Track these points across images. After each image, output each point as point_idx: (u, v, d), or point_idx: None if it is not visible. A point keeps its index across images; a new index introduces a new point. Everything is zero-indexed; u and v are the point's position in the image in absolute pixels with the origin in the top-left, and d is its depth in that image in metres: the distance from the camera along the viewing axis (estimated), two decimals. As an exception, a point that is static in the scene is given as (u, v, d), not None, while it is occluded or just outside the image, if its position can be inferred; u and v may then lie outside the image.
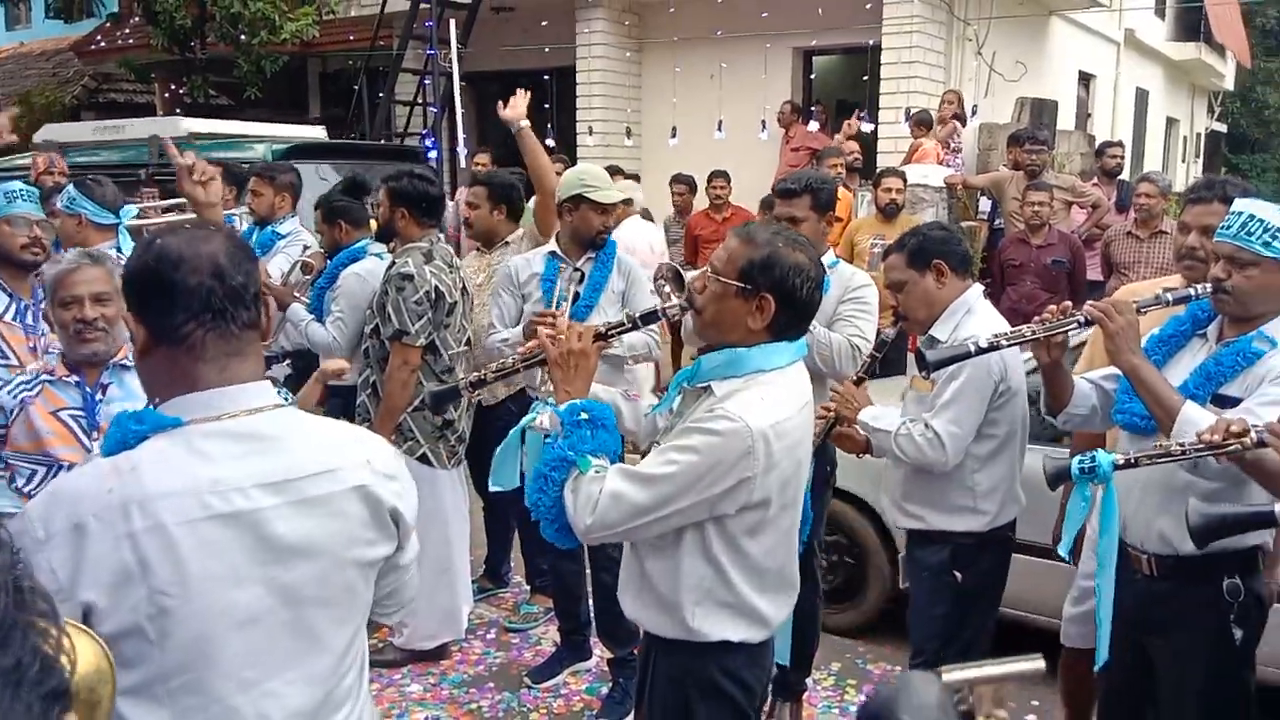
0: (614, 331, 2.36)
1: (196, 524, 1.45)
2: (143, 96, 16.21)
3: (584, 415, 2.14)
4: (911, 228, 3.37)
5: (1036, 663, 0.90)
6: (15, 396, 2.74)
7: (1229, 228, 2.45)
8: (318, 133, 9.61)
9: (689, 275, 3.36)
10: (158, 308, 1.51)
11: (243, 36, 11.82)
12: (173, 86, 14.45)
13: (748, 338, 2.13)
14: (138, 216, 4.35)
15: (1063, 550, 2.66)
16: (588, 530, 2.08)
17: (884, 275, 3.12)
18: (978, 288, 3.06)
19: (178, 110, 14.44)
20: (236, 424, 1.52)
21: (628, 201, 3.93)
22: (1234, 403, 2.43)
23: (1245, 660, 2.56)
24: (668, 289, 3.54)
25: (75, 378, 2.77)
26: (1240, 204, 2.48)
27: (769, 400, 2.08)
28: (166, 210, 4.78)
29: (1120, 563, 2.65)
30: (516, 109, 4.29)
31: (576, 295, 3.80)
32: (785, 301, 2.11)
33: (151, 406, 1.56)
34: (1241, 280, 2.43)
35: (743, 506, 2.08)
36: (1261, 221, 2.39)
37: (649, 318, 2.45)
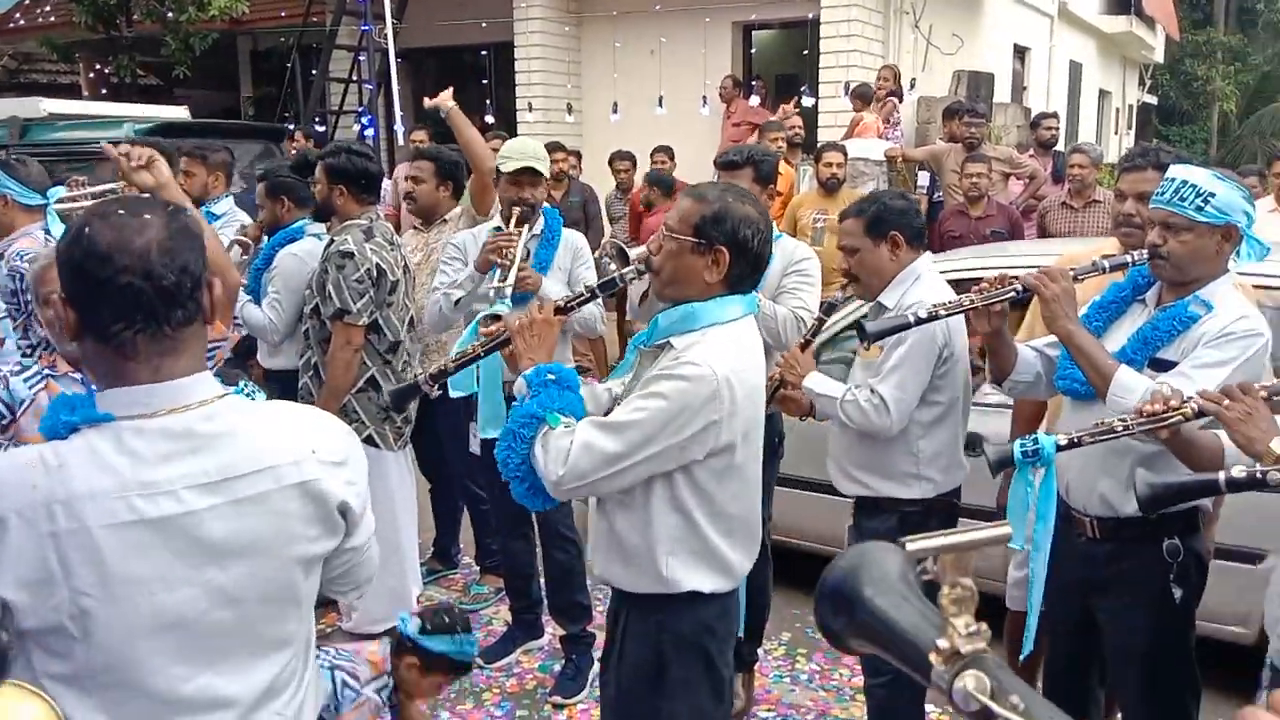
0: (574, 303, 2.47)
1: (122, 528, 1.40)
2: (66, 77, 15.74)
3: (551, 376, 2.23)
4: (870, 194, 3.37)
5: (1003, 529, 0.87)
6: (31, 387, 2.67)
7: (1163, 194, 2.48)
8: (180, 113, 9.63)
9: (633, 252, 3.37)
10: (86, 304, 1.44)
11: (170, 14, 11.50)
12: (97, 66, 14.05)
13: (705, 291, 2.22)
14: (64, 200, 4.21)
15: (1016, 543, 2.67)
16: (560, 481, 2.13)
17: (838, 237, 3.12)
18: (928, 256, 3.07)
19: (104, 91, 14.05)
20: (171, 421, 1.45)
21: (559, 177, 3.87)
22: (1171, 366, 2.47)
23: (1186, 618, 2.62)
24: (613, 266, 3.53)
25: (78, 374, 2.68)
26: (1174, 170, 2.51)
27: (728, 348, 2.18)
28: (96, 197, 4.64)
29: (1064, 526, 2.69)
30: (442, 99, 4.31)
31: (528, 253, 3.74)
32: (739, 252, 2.20)
33: (94, 389, 1.50)
34: (1176, 245, 2.46)
35: (710, 452, 2.16)
36: (1194, 187, 2.42)
37: (607, 285, 2.54)
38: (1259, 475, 1.83)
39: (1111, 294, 2.71)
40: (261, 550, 1.50)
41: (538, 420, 2.18)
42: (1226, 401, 2.11)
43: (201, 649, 1.47)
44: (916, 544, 0.86)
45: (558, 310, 2.39)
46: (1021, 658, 2.63)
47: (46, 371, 2.67)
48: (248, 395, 2.47)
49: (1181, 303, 2.51)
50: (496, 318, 3.46)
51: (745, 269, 2.24)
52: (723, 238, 2.19)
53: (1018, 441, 2.46)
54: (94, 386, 1.51)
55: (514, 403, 2.27)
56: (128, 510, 1.41)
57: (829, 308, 3.17)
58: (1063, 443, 2.38)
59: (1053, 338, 2.73)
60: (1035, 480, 2.54)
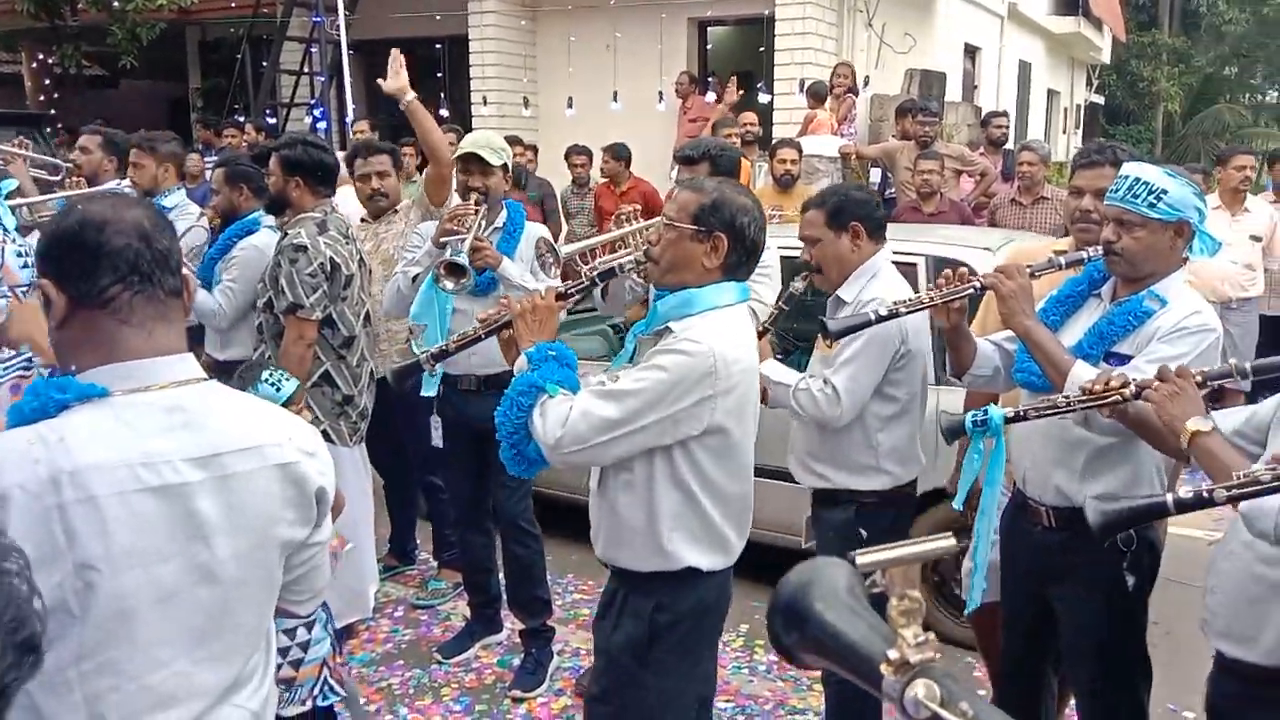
0: (574, 290, 2.57)
1: (128, 496, 1.42)
2: (9, 67, 15.39)
3: (551, 353, 2.34)
4: (832, 186, 3.41)
5: (948, 541, 0.90)
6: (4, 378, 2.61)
7: (1117, 191, 2.53)
8: None
9: (564, 249, 3.44)
10: (81, 271, 1.46)
11: (116, 3, 11.26)
12: (41, 56, 13.75)
13: (703, 277, 2.32)
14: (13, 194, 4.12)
15: (957, 504, 2.76)
16: (557, 444, 2.22)
17: (800, 228, 3.15)
18: (887, 250, 3.11)
19: (47, 81, 13.76)
20: (163, 396, 1.48)
21: (507, 169, 3.85)
22: (1126, 360, 2.51)
23: (1139, 605, 2.68)
24: (550, 260, 3.57)
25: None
26: (1127, 168, 2.56)
27: (725, 330, 2.28)
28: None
29: (1021, 516, 2.74)
30: (399, 80, 4.14)
31: (484, 266, 3.74)
32: (736, 239, 2.31)
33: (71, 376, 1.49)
34: (1130, 241, 2.51)
35: (705, 429, 2.25)
36: (1147, 184, 2.47)
37: (606, 274, 2.64)
38: (1206, 494, 1.87)
39: (1068, 289, 2.75)
40: (245, 528, 1.53)
41: (537, 389, 2.28)
42: (1157, 382, 2.16)
43: (180, 629, 1.49)
44: (864, 558, 0.90)
45: (558, 296, 2.48)
46: (966, 612, 2.70)
47: (17, 369, 2.61)
48: (273, 385, 2.46)
49: (1136, 298, 2.55)
50: (457, 268, 3.46)
51: (742, 255, 2.34)
52: (720, 225, 2.29)
53: (969, 413, 2.56)
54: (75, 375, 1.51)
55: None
56: (133, 479, 1.42)
57: (789, 298, 3.20)
58: (1010, 415, 2.48)
59: (1009, 332, 2.78)
60: (986, 450, 2.61)
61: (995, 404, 2.67)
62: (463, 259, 3.51)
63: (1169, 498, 1.93)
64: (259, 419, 1.59)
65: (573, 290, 2.58)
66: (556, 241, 8.00)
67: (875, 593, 0.90)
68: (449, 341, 2.68)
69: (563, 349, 2.38)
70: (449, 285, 3.55)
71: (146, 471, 1.43)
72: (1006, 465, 2.74)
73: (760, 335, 3.17)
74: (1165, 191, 2.46)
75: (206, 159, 8.07)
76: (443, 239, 3.61)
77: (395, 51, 4.17)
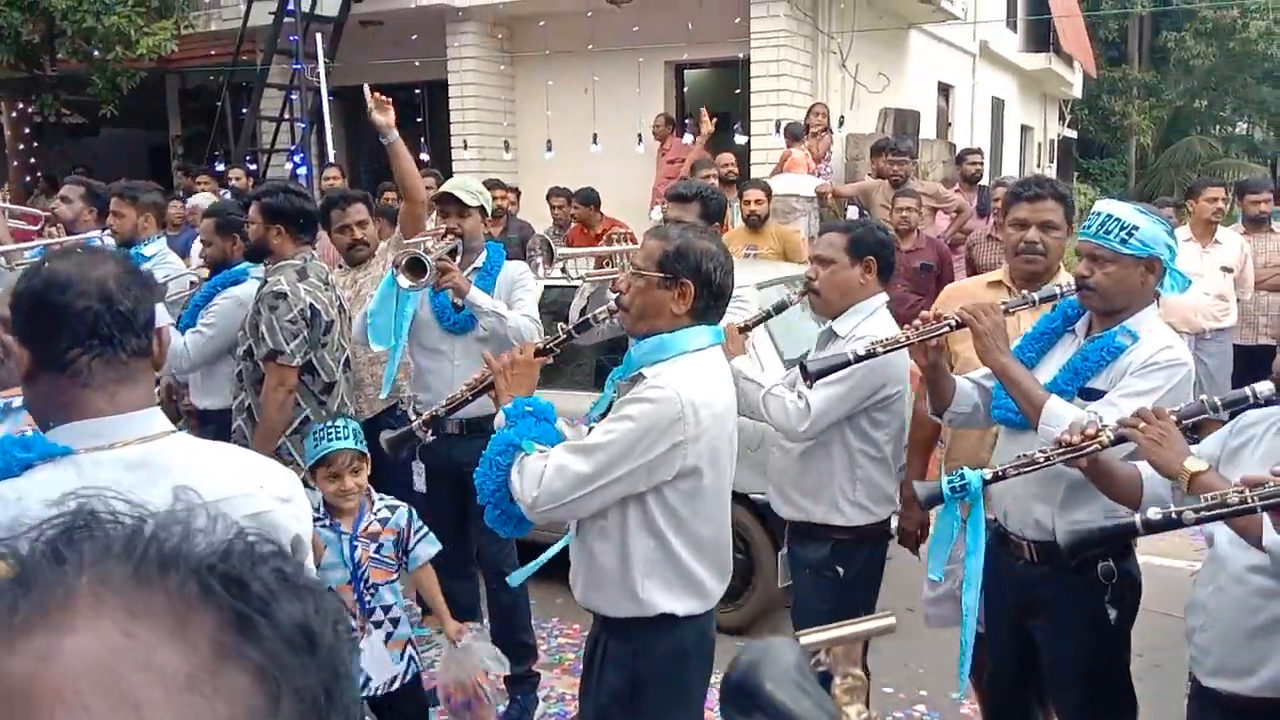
0: (552, 344, 2.62)
1: None
2: (-12, 116, 15.38)
3: (528, 409, 2.37)
4: (858, 219, 3.47)
5: (888, 620, 0.94)
6: None
7: (1089, 227, 2.58)
8: None
9: (560, 250, 3.48)
10: (43, 333, 1.46)
11: (96, 52, 11.31)
12: (21, 105, 13.76)
13: (673, 323, 2.35)
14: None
15: (934, 575, 2.72)
16: (534, 503, 2.25)
17: (815, 246, 3.20)
18: (884, 297, 3.16)
19: (26, 130, 13.76)
20: (128, 452, 1.47)
21: (485, 210, 3.92)
22: (1100, 395, 2.55)
23: (1121, 638, 2.69)
24: (539, 259, 3.62)
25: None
26: (1100, 205, 2.62)
27: (695, 374, 2.30)
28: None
29: (1003, 550, 2.75)
30: (387, 116, 4.18)
31: (461, 304, 3.77)
32: (703, 284, 2.33)
33: (41, 433, 1.49)
34: (1102, 277, 2.55)
35: (678, 473, 2.27)
36: (1119, 220, 2.52)
37: (582, 327, 2.68)
38: (1174, 516, 1.88)
39: (1043, 325, 2.79)
40: None
41: (514, 448, 2.31)
42: (1143, 424, 2.19)
43: None
44: (809, 638, 0.95)
45: (538, 352, 2.53)
46: (957, 697, 2.68)
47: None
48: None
49: (1109, 333, 2.59)
50: (416, 265, 3.52)
51: (709, 300, 2.36)
52: (687, 271, 2.32)
53: (945, 478, 2.51)
54: (41, 431, 1.50)
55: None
56: None
57: (780, 305, 3.26)
58: (988, 476, 2.45)
59: (988, 369, 2.81)
60: (963, 515, 2.59)
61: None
62: (424, 256, 3.53)
63: (1137, 518, 1.94)
64: (229, 469, 1.58)
65: (551, 345, 2.63)
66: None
67: (820, 670, 0.93)
68: (439, 406, 2.75)
69: (539, 404, 2.41)
70: (405, 282, 3.57)
71: None
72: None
73: (741, 331, 3.21)
74: (1136, 228, 2.51)
75: (186, 205, 8.08)
76: (405, 242, 3.67)
77: (366, 88, 4.20)
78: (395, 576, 3.30)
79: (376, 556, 3.23)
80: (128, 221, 4.89)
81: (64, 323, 1.45)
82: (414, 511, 3.36)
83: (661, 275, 2.33)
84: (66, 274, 1.47)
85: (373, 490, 3.34)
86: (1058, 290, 2.67)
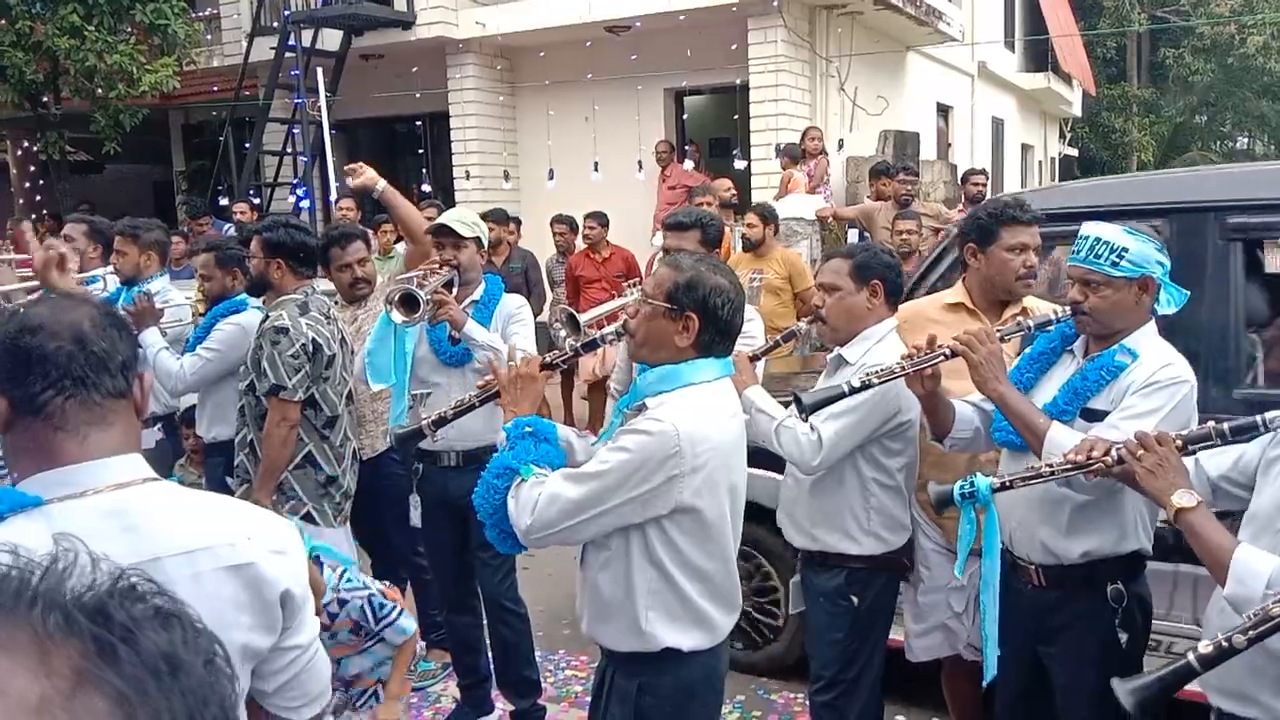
0: (559, 360, 2.60)
1: None
2: (-6, 155, 15.51)
3: (529, 429, 2.35)
4: (861, 243, 3.45)
5: None
6: None
7: (1079, 253, 2.57)
8: None
9: (583, 318, 3.44)
10: (16, 377, 1.43)
11: (99, 90, 11.40)
12: (25, 144, 13.87)
13: (677, 355, 2.30)
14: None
15: (957, 571, 2.74)
16: (528, 530, 2.24)
17: (819, 274, 3.16)
18: (893, 321, 3.12)
19: (32, 168, 13.85)
20: (100, 500, 1.43)
21: (481, 244, 3.92)
22: (1102, 415, 2.53)
23: (1132, 662, 2.65)
24: (564, 333, 3.59)
25: None
26: (1087, 228, 2.60)
27: (696, 408, 2.25)
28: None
29: (1012, 576, 2.72)
30: (363, 178, 4.24)
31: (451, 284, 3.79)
32: (709, 319, 2.29)
33: (12, 484, 1.47)
34: (1097, 300, 2.55)
35: (675, 508, 2.22)
36: (1108, 244, 2.52)
37: (590, 345, 2.70)
38: (1225, 644, 1.83)
39: (1041, 345, 2.78)
40: None
41: (512, 472, 2.29)
42: (1141, 452, 2.16)
43: None
44: None
45: (543, 366, 2.52)
46: (985, 682, 2.64)
47: None
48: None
49: (1108, 352, 2.58)
50: (409, 301, 3.53)
51: (715, 335, 2.31)
52: (693, 304, 2.27)
53: (957, 484, 2.51)
54: (16, 482, 1.47)
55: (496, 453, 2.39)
56: None
57: (789, 334, 3.24)
58: (996, 484, 2.44)
59: None
60: (979, 519, 2.58)
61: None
62: (418, 292, 3.54)
63: (1192, 657, 1.88)
64: (211, 518, 1.53)
65: (558, 361, 2.61)
66: (542, 310, 8.08)
67: None
68: (448, 409, 2.73)
69: (540, 423, 2.38)
70: (398, 316, 3.57)
71: None
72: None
73: (752, 360, 3.19)
74: (1126, 250, 2.50)
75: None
76: (400, 276, 3.67)
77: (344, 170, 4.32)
78: (367, 647, 2.96)
79: (333, 641, 2.84)
80: (130, 260, 4.91)
81: (35, 365, 1.43)
82: (373, 601, 2.91)
83: (668, 306, 2.29)
84: (39, 317, 1.46)
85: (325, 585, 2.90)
86: (1053, 316, 2.66)
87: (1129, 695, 1.97)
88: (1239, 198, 3.37)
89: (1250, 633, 1.80)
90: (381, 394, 4.42)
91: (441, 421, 2.71)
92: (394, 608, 2.97)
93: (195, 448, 4.85)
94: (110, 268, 5.00)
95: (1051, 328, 2.70)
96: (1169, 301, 2.59)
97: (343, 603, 2.92)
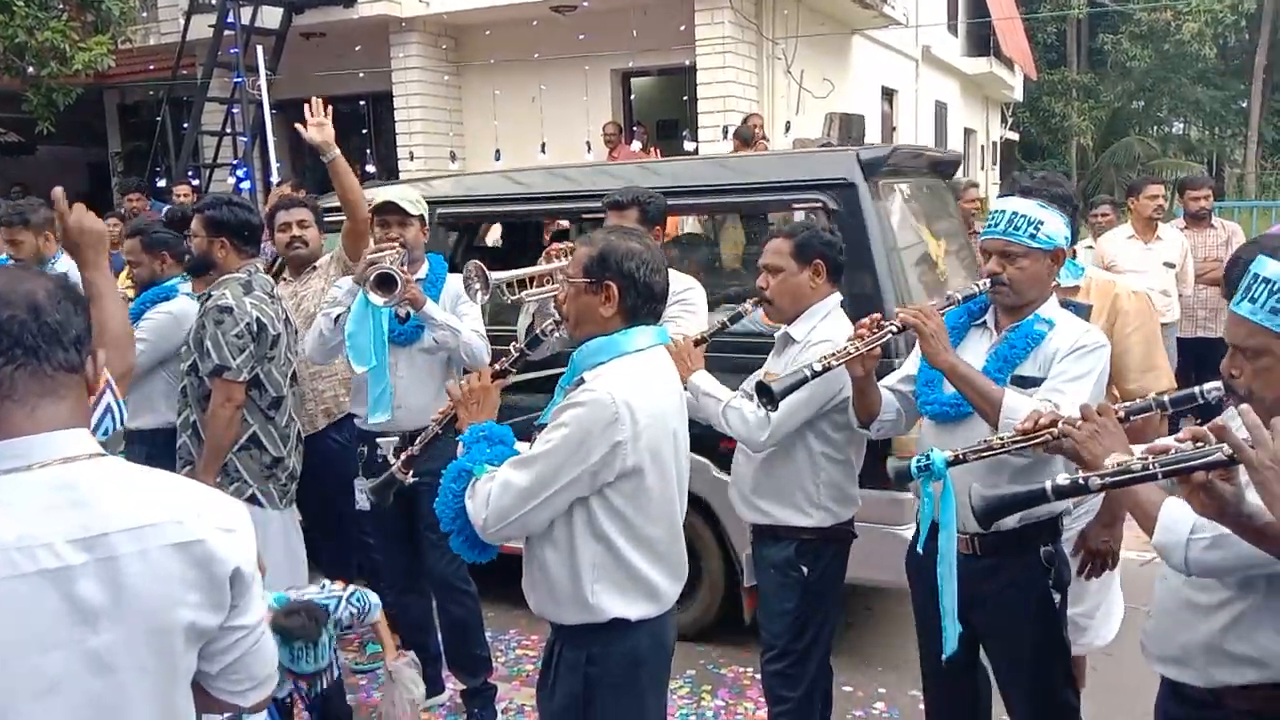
0: (507, 366, 2.65)
1: (1, 584, 1.33)
2: (-80, 136, 15.01)
3: (482, 434, 2.40)
4: (801, 222, 3.47)
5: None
6: None
7: (996, 225, 2.67)
8: None
9: (494, 276, 3.43)
10: None
11: (30, 69, 11.07)
12: (-47, 123, 13.45)
13: (605, 325, 2.35)
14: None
15: (919, 547, 2.72)
16: (485, 525, 2.27)
17: (762, 255, 3.18)
18: (838, 296, 3.17)
19: (-39, 148, 13.45)
20: (48, 474, 1.41)
21: (424, 222, 3.89)
22: (1033, 381, 2.63)
23: (1061, 619, 2.76)
24: (476, 286, 3.59)
25: None
26: (1002, 202, 2.71)
27: (631, 375, 2.29)
28: None
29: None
30: (325, 133, 4.14)
31: (407, 315, 3.74)
32: (628, 284, 2.33)
33: None
34: (1015, 272, 2.65)
35: (619, 474, 2.26)
36: (1025, 217, 2.63)
37: (533, 343, 2.74)
38: (1081, 481, 1.91)
39: (950, 321, 2.84)
40: (137, 612, 1.43)
41: (467, 474, 2.33)
42: (1080, 421, 2.22)
43: None
44: None
45: (494, 376, 2.56)
46: (944, 657, 2.68)
47: None
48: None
49: (1028, 321, 2.69)
50: (387, 280, 3.55)
51: (638, 299, 2.35)
52: (609, 273, 2.32)
53: (913, 458, 2.54)
54: None
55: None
56: (6, 564, 1.34)
57: (735, 317, 3.26)
58: (950, 458, 2.47)
59: (901, 374, 2.93)
60: (935, 492, 2.62)
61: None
62: (394, 271, 3.52)
63: (1048, 485, 1.97)
64: (159, 494, 1.50)
65: (507, 367, 2.65)
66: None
67: None
68: (414, 446, 2.79)
69: (494, 427, 2.42)
70: (379, 299, 3.54)
71: (21, 556, 1.35)
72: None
73: (697, 344, 3.21)
74: (1042, 223, 2.62)
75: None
76: (370, 256, 3.63)
77: (317, 100, 4.16)
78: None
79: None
80: (27, 245, 4.80)
81: None
82: (354, 600, 3.60)
83: (587, 280, 2.34)
84: None
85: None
86: (976, 288, 2.73)
87: (981, 499, 2.09)
88: None
89: (1107, 479, 1.87)
90: (320, 372, 4.38)
91: (411, 460, 2.78)
92: (368, 601, 3.53)
93: (121, 434, 4.74)
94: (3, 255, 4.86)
95: (973, 300, 2.77)
96: (1068, 274, 2.71)
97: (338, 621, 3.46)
